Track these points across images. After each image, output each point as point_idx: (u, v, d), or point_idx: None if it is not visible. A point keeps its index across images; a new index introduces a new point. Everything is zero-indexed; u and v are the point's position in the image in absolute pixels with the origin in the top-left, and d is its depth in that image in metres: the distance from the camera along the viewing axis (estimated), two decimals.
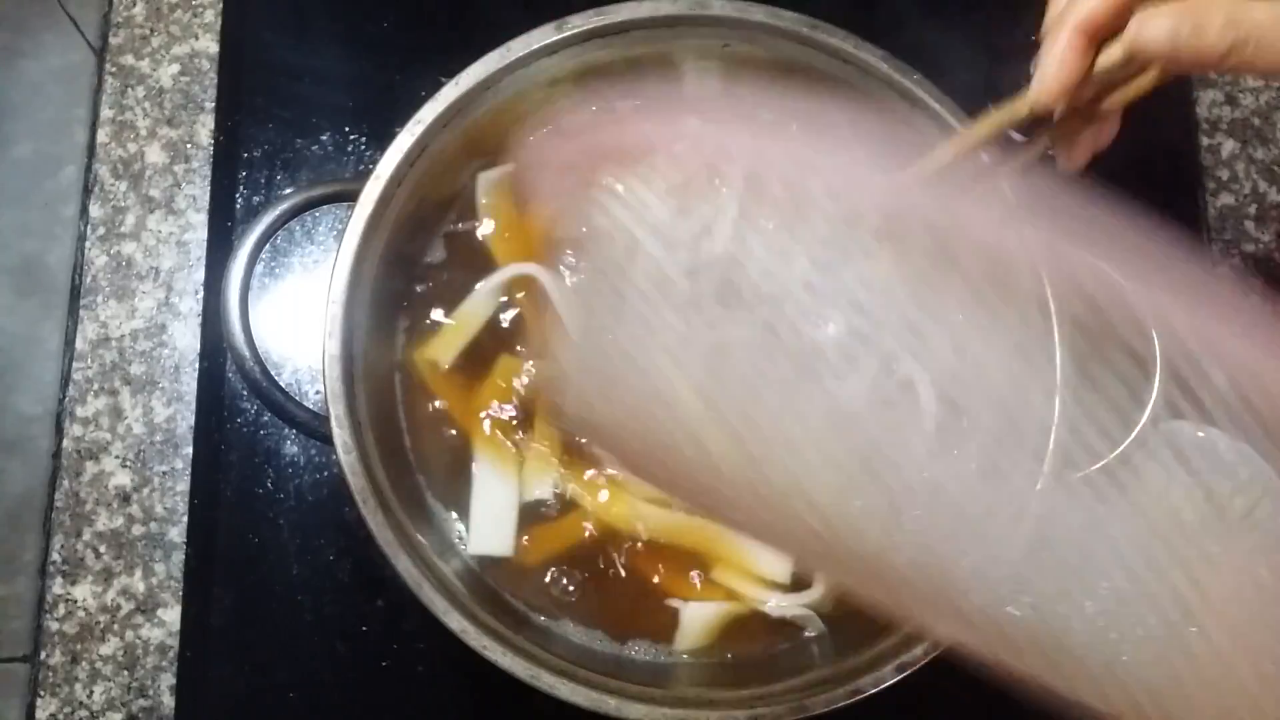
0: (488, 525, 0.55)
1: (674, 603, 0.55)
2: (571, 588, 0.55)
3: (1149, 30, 0.41)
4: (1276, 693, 0.38)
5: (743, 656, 0.55)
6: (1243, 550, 0.49)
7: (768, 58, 0.58)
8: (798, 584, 0.55)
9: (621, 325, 0.38)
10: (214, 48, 0.68)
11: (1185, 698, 0.38)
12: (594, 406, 0.40)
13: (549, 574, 0.55)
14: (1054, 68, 0.42)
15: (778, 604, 0.55)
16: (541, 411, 0.56)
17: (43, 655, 0.60)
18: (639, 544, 0.55)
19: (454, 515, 0.56)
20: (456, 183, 0.59)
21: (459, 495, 0.57)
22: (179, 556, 0.62)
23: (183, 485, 0.62)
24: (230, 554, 0.61)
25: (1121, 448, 0.52)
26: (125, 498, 0.62)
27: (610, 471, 0.55)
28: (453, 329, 0.57)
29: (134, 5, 0.69)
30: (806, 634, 0.55)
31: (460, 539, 0.56)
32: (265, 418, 0.63)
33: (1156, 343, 0.52)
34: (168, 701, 0.60)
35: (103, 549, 0.62)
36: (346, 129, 0.68)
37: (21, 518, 0.63)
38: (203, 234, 0.66)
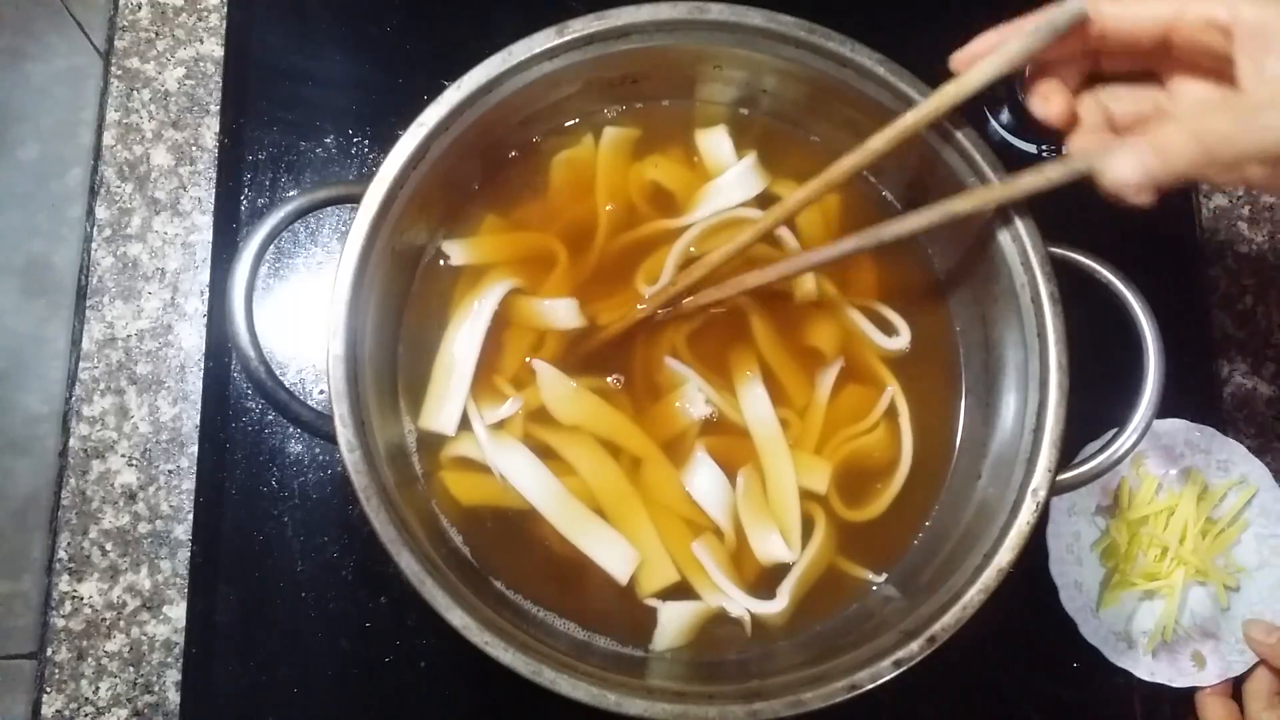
0: (435, 403, 0.57)
1: (651, 602, 0.56)
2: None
3: (1120, 172, 0.44)
4: None
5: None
6: None
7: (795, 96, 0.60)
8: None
9: None
10: (219, 51, 0.69)
11: None
12: None
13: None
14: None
15: (740, 604, 0.56)
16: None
17: (49, 652, 0.61)
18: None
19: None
20: (458, 184, 0.59)
21: None
22: (184, 554, 0.62)
23: (188, 483, 0.63)
24: (235, 551, 0.62)
25: (1117, 444, 0.53)
26: (131, 496, 0.63)
27: None
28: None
29: (139, 9, 0.69)
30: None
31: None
32: (270, 417, 0.64)
33: (1149, 338, 0.52)
34: (173, 697, 0.61)
35: (109, 546, 0.62)
36: (350, 132, 0.69)
37: (28, 516, 0.64)
38: (208, 235, 0.66)
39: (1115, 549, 0.65)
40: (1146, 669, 0.63)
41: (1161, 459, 0.66)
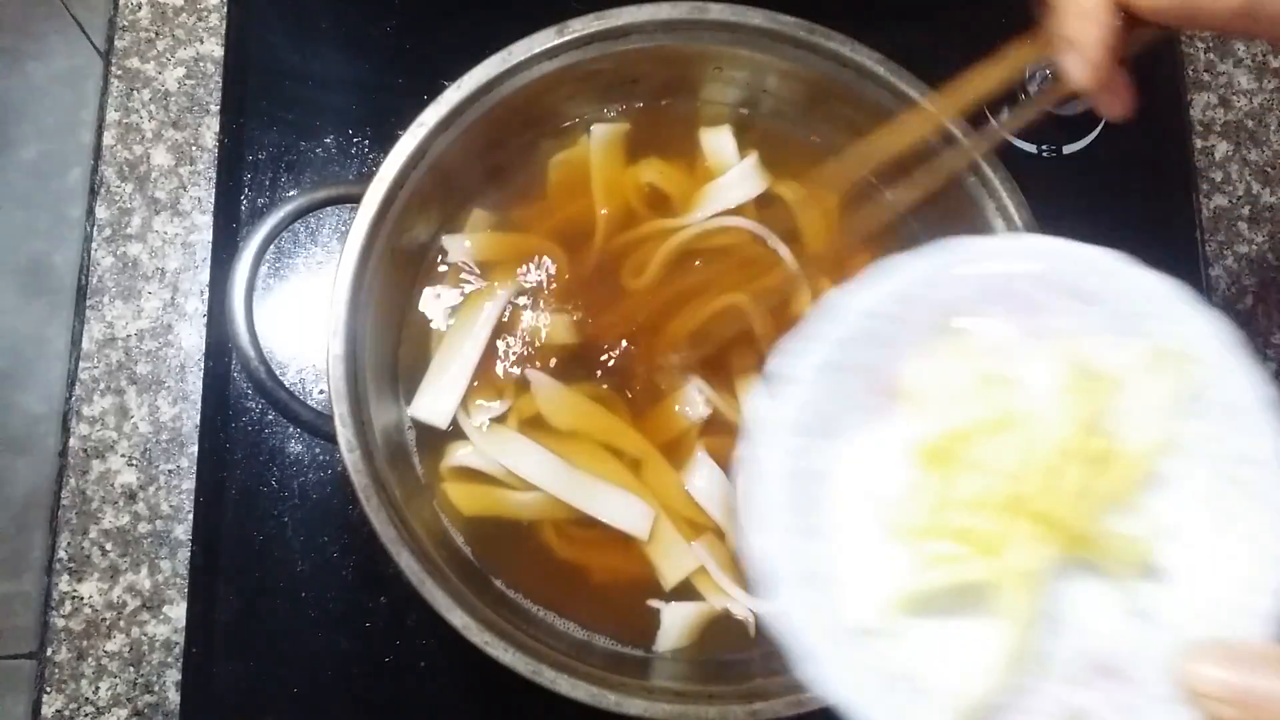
0: (431, 394, 0.57)
1: (655, 603, 0.56)
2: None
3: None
4: None
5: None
6: None
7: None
8: None
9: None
10: (219, 51, 0.69)
11: None
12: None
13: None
14: (1094, 48, 0.40)
15: (744, 605, 0.56)
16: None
17: (49, 652, 0.61)
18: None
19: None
20: (458, 184, 0.59)
21: None
22: (184, 554, 0.62)
23: (188, 483, 0.63)
24: (235, 551, 0.62)
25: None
26: (131, 496, 0.63)
27: None
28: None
29: (139, 9, 0.69)
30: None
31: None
32: (270, 417, 0.64)
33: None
34: (173, 697, 0.61)
35: (109, 546, 0.62)
36: (350, 132, 0.69)
37: (29, 516, 0.64)
38: (208, 235, 0.66)
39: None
40: None
41: (1003, 309, 0.36)
